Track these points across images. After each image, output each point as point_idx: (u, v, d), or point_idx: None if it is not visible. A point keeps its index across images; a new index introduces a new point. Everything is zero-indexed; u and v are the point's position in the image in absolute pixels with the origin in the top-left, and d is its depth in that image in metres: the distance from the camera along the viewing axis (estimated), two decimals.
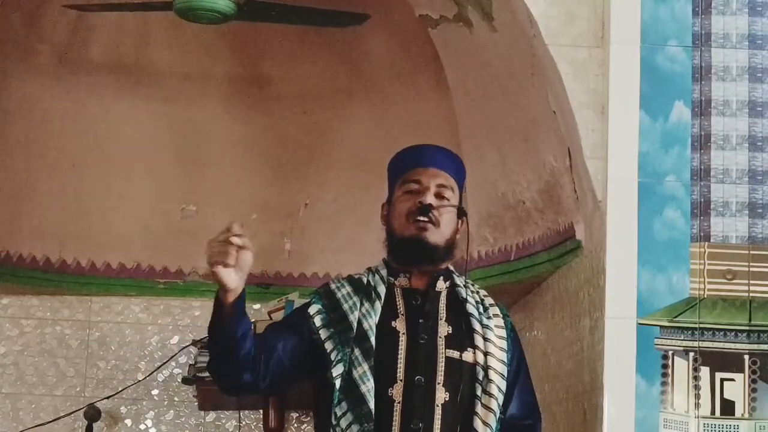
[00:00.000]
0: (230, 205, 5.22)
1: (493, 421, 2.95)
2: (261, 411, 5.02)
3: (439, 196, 3.04)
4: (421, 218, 2.99)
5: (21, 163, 5.00)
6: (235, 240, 2.83)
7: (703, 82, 3.61)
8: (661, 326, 3.48)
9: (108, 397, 5.10)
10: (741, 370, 3.48)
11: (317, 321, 2.99)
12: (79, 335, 5.19)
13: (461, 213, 3.08)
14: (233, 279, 2.91)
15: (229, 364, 2.93)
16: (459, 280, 3.10)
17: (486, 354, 2.99)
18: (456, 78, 4.62)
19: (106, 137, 5.12)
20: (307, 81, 5.16)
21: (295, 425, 5.16)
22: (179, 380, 5.12)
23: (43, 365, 5.16)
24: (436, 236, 3.01)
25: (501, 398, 2.98)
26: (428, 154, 3.16)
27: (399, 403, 2.91)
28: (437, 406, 2.93)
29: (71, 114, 5.06)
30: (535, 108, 4.01)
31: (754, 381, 3.47)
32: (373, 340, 2.93)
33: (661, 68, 3.61)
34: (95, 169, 5.12)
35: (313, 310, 3.02)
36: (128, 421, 5.16)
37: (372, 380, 2.89)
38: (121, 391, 5.13)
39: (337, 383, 2.90)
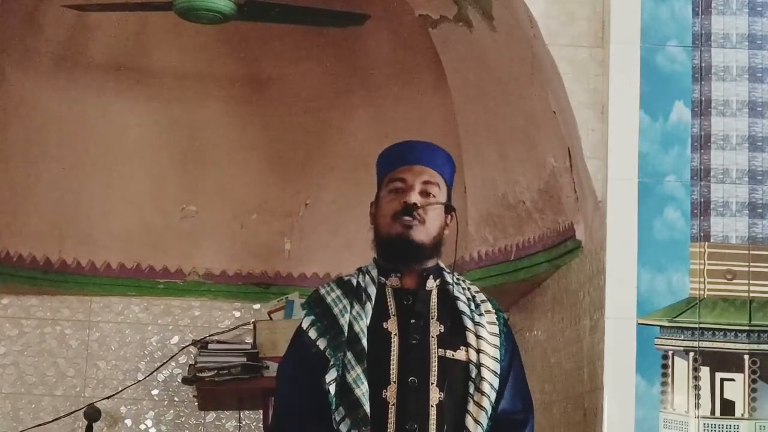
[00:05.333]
0: (230, 205, 5.22)
1: (484, 418, 2.94)
2: (261, 411, 5.01)
3: (424, 193, 3.03)
4: (406, 218, 2.99)
5: (21, 163, 5.00)
6: None
7: (703, 82, 3.61)
8: (661, 326, 3.48)
9: (108, 397, 5.10)
10: (741, 370, 3.48)
11: (312, 334, 2.98)
12: (79, 335, 5.19)
13: (449, 209, 3.09)
14: None
15: None
16: (450, 278, 3.10)
17: (479, 351, 2.99)
18: (456, 78, 4.62)
19: (106, 137, 5.12)
20: (307, 81, 5.16)
21: None
22: (179, 380, 5.11)
23: (43, 365, 5.16)
24: (422, 234, 3.01)
25: (493, 396, 2.97)
26: (413, 151, 3.13)
27: (393, 405, 2.90)
28: (432, 406, 2.92)
29: (71, 114, 5.06)
30: (535, 108, 4.01)
31: (754, 381, 3.47)
32: (365, 342, 2.92)
33: (661, 68, 3.61)
34: (95, 169, 5.12)
35: (306, 323, 3.01)
36: (128, 421, 5.16)
37: (366, 383, 2.88)
38: (121, 391, 5.13)
39: (332, 389, 2.89)
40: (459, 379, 2.96)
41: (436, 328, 3.00)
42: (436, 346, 2.97)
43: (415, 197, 3.01)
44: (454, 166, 3.19)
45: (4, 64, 4.85)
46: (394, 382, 2.92)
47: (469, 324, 3.01)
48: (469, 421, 2.93)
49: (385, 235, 3.03)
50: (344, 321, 2.95)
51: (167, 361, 5.17)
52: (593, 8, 3.71)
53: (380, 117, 5.06)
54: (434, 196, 3.04)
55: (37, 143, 5.02)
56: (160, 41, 5.08)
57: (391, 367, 2.93)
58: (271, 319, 4.82)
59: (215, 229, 5.22)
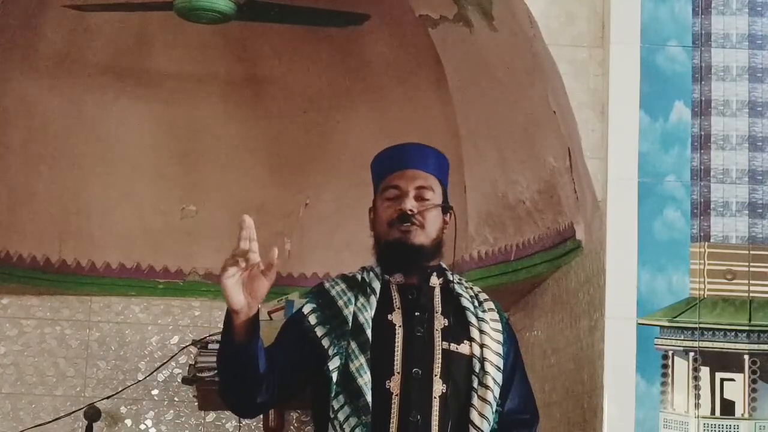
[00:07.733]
0: (230, 205, 5.22)
1: (489, 412, 2.96)
2: None
3: (419, 198, 3.07)
4: (404, 225, 3.02)
5: (21, 163, 5.00)
6: (243, 247, 2.74)
7: (703, 82, 3.61)
8: (661, 326, 3.48)
9: (108, 397, 5.11)
10: (741, 370, 3.48)
11: (312, 319, 3.01)
12: (79, 335, 5.19)
13: (446, 208, 3.10)
14: (239, 300, 2.80)
15: (243, 386, 2.91)
16: (453, 277, 3.12)
17: (482, 346, 3.01)
18: (456, 78, 4.62)
19: (106, 137, 5.12)
20: (307, 81, 5.16)
21: (295, 425, 5.16)
22: (179, 380, 5.12)
23: (43, 365, 5.16)
24: (422, 237, 3.04)
25: (497, 390, 2.99)
26: (405, 155, 3.17)
27: (397, 395, 2.92)
28: (435, 398, 2.94)
29: (71, 114, 5.06)
30: (535, 108, 4.01)
31: (754, 381, 3.47)
32: (369, 333, 2.95)
33: (661, 68, 3.61)
34: (95, 169, 5.12)
35: (307, 309, 3.04)
36: (128, 421, 5.16)
37: (368, 373, 2.90)
38: (121, 391, 5.13)
39: (334, 376, 2.91)
40: (462, 373, 2.98)
41: (440, 322, 3.03)
42: (440, 338, 3.00)
43: (410, 203, 3.04)
44: (448, 164, 3.22)
45: (4, 65, 4.85)
46: (398, 372, 2.94)
47: (472, 319, 3.04)
48: (474, 415, 2.95)
49: (384, 241, 3.06)
50: (348, 312, 2.99)
51: (167, 361, 5.17)
52: (593, 8, 3.71)
53: (380, 117, 5.06)
54: (429, 199, 3.06)
55: (37, 143, 5.02)
56: (160, 41, 5.08)
57: (395, 358, 2.95)
58: (271, 319, 4.82)
59: (215, 229, 5.22)
